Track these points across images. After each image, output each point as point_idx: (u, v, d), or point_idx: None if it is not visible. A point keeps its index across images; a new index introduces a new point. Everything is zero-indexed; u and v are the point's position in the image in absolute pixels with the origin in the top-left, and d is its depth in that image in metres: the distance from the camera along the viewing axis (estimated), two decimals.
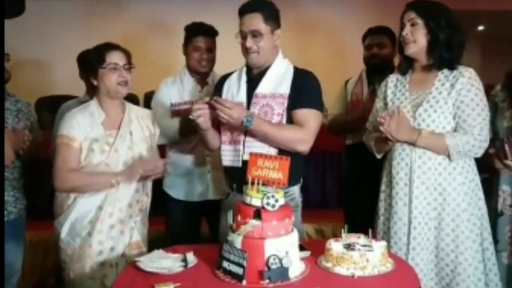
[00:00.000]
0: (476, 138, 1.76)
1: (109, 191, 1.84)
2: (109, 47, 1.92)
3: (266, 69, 1.88)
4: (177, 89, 2.43)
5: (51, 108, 3.14)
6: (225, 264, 1.39)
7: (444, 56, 1.81)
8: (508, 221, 1.99)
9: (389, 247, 1.82)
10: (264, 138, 1.81)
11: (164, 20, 4.73)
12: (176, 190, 2.43)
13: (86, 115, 1.89)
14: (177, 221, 2.45)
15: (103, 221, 1.84)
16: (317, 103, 1.86)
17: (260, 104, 1.85)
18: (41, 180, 3.50)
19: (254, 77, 1.90)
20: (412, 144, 1.80)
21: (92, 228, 1.83)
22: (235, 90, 1.92)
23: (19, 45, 4.54)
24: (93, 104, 1.93)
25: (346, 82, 2.73)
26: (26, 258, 3.09)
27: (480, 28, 6.33)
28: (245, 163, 1.79)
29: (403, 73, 1.93)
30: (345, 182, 2.82)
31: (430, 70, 1.85)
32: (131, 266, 1.53)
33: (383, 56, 2.51)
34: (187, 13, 4.63)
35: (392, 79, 1.97)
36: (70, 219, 1.85)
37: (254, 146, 1.82)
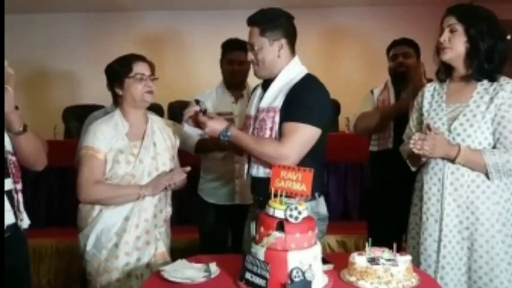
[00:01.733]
0: None
1: (134, 202, 1.86)
2: (136, 58, 1.96)
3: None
4: (212, 102, 2.53)
5: (78, 118, 3.23)
6: (248, 275, 1.39)
7: (484, 66, 1.70)
8: None
9: (418, 263, 1.78)
10: (248, 153, 1.82)
11: (179, 33, 4.81)
12: (207, 194, 2.56)
13: (111, 126, 1.91)
14: (209, 225, 2.57)
15: (130, 232, 1.85)
16: (308, 117, 1.70)
17: (259, 118, 1.80)
18: (67, 188, 3.61)
19: (266, 90, 1.86)
20: (451, 161, 1.72)
21: (118, 240, 1.84)
22: (251, 104, 1.92)
23: (48, 56, 4.71)
24: (117, 115, 1.95)
25: (372, 91, 2.72)
26: (52, 265, 3.18)
27: (508, 37, 6.21)
28: (253, 179, 1.85)
29: (441, 80, 1.84)
30: (369, 190, 2.78)
31: (468, 80, 1.75)
32: (155, 276, 1.54)
33: (408, 65, 2.52)
34: (201, 26, 4.75)
35: (429, 89, 1.88)
36: (95, 231, 1.85)
37: (255, 161, 1.80)
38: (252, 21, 1.82)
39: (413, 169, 1.91)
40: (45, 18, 4.75)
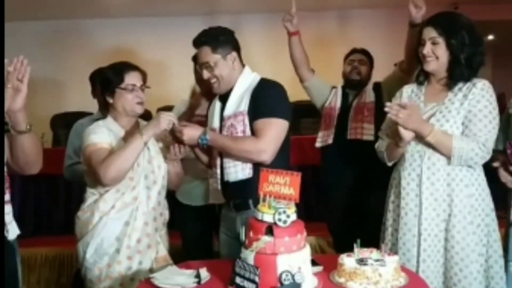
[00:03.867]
0: (481, 147, 1.75)
1: (133, 206, 1.86)
2: (128, 67, 1.94)
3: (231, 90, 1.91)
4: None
5: (67, 125, 3.21)
6: (238, 280, 1.40)
7: (464, 73, 1.81)
8: None
9: None
10: (226, 154, 1.84)
11: (166, 39, 4.82)
12: (185, 196, 2.56)
13: (109, 131, 1.90)
14: (190, 228, 2.56)
15: (131, 236, 1.85)
16: (275, 111, 1.80)
17: (226, 126, 1.85)
18: (55, 197, 3.59)
19: (225, 101, 1.92)
20: (421, 137, 1.77)
21: (119, 245, 1.84)
22: (212, 116, 1.97)
23: (34, 64, 4.67)
24: (110, 121, 1.95)
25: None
26: (42, 275, 3.15)
27: (490, 37, 6.30)
28: (226, 184, 1.88)
29: (420, 83, 1.92)
30: (324, 190, 2.85)
31: (446, 83, 1.85)
32: (145, 283, 1.54)
33: (361, 72, 2.73)
34: (184, 32, 4.74)
35: (407, 90, 1.96)
36: (96, 238, 1.84)
37: (229, 167, 1.84)
38: (201, 42, 1.87)
39: (389, 164, 1.97)
40: (29, 25, 4.72)
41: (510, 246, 1.95)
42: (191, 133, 1.83)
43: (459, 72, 1.81)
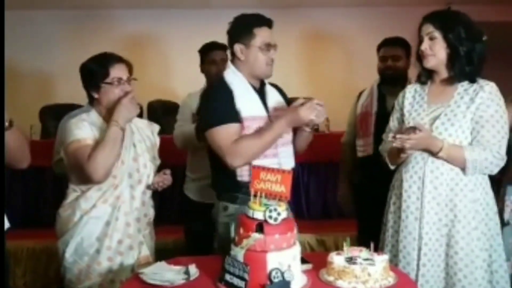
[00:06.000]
0: (495, 155, 1.71)
1: (115, 205, 1.82)
2: (113, 59, 1.86)
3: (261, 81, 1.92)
4: (197, 102, 2.51)
5: (55, 117, 3.17)
6: (227, 277, 1.40)
7: (465, 69, 1.76)
8: None
9: (397, 261, 1.81)
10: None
11: (157, 32, 4.77)
12: (195, 192, 2.57)
13: (88, 122, 1.84)
14: (196, 223, 2.54)
15: (112, 236, 1.80)
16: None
17: (273, 116, 1.86)
18: (44, 189, 3.54)
19: (258, 90, 1.90)
20: (431, 153, 1.75)
21: (100, 245, 1.80)
22: (252, 104, 1.86)
23: (23, 55, 4.60)
24: (94, 116, 1.89)
25: (360, 94, 2.73)
26: (28, 267, 3.12)
27: (483, 38, 6.36)
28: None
29: (423, 83, 1.89)
30: (358, 195, 2.77)
31: (450, 82, 1.81)
32: (133, 279, 1.53)
33: (397, 68, 2.51)
34: (181, 25, 4.71)
35: (410, 90, 1.93)
36: (76, 238, 1.79)
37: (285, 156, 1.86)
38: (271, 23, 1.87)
39: (391, 167, 1.94)
40: (18, 15, 4.62)
41: (504, 246, 1.93)
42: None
43: (460, 68, 1.76)
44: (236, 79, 1.85)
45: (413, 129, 1.73)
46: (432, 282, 1.76)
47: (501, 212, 2.00)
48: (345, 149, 2.77)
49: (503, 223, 2.01)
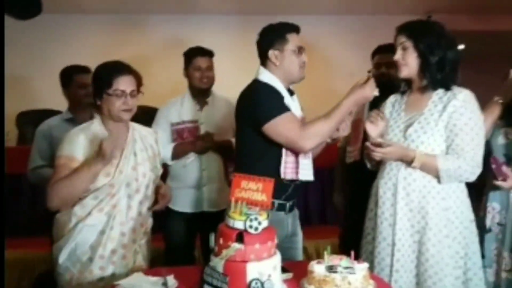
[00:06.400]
0: (469, 163, 1.73)
1: (111, 214, 1.79)
2: (118, 71, 1.83)
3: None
4: (177, 110, 2.58)
5: (33, 123, 3.10)
6: None
7: (436, 77, 1.79)
8: (496, 238, 1.99)
9: (372, 267, 1.82)
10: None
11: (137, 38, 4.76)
12: (174, 202, 2.51)
13: (89, 135, 1.81)
14: (174, 233, 2.56)
15: (105, 246, 1.77)
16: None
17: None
18: (18, 197, 3.45)
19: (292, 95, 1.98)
20: (406, 163, 1.78)
21: (93, 254, 1.77)
22: (294, 106, 1.95)
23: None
24: (97, 123, 1.86)
25: None
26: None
27: (461, 47, 6.49)
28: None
29: (402, 92, 1.94)
30: (346, 201, 2.77)
31: (425, 91, 1.84)
32: None
33: (391, 75, 2.48)
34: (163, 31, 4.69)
35: (391, 100, 1.98)
36: (70, 244, 1.77)
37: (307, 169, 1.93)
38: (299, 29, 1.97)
39: (369, 166, 1.99)
40: None
41: (486, 253, 1.97)
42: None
43: (430, 76, 1.79)
44: (275, 83, 1.90)
45: (379, 145, 1.79)
46: None
47: (483, 219, 2.03)
48: (340, 154, 2.77)
49: (485, 230, 2.03)
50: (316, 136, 1.81)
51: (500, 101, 1.98)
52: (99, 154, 1.69)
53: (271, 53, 1.91)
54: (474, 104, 1.78)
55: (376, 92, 1.83)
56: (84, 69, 2.49)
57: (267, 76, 1.92)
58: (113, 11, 4.65)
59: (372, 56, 2.63)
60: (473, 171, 1.75)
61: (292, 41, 1.92)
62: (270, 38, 1.92)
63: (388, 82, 2.46)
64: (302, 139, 1.80)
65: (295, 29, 1.95)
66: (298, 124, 1.83)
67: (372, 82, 1.82)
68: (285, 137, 1.81)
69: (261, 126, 1.82)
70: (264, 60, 1.95)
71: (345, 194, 2.74)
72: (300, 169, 1.87)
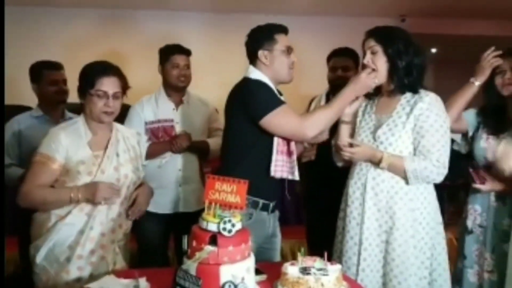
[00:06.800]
0: (435, 164, 1.77)
1: (91, 214, 1.77)
2: (102, 71, 1.81)
3: None
4: (151, 108, 2.53)
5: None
6: None
7: (404, 81, 1.83)
8: (477, 240, 2.06)
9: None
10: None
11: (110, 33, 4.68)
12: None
13: (72, 135, 1.80)
14: (147, 234, 2.51)
15: (84, 246, 1.75)
16: None
17: None
18: None
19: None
20: (374, 163, 1.82)
21: (71, 253, 1.74)
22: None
23: None
24: (81, 122, 1.84)
25: (312, 100, 2.78)
26: None
27: (433, 50, 6.62)
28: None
29: (369, 97, 1.97)
30: (305, 200, 2.83)
31: (394, 94, 1.88)
32: None
33: (346, 78, 2.48)
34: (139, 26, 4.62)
35: (364, 104, 2.01)
36: (48, 243, 1.75)
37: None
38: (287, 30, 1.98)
39: (338, 164, 2.03)
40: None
41: (467, 253, 2.04)
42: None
43: (398, 80, 1.84)
44: (266, 82, 1.91)
45: (350, 145, 1.85)
46: (370, 287, 1.81)
47: (464, 221, 2.10)
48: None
49: (467, 231, 2.09)
50: (318, 124, 1.84)
51: (476, 82, 2.05)
52: (92, 195, 1.72)
53: (261, 53, 1.92)
54: (440, 106, 1.83)
55: (377, 80, 1.86)
56: (55, 66, 2.43)
57: (257, 75, 1.93)
58: (89, 5, 4.55)
59: (327, 60, 2.69)
60: (439, 172, 1.79)
61: (281, 41, 1.93)
62: (259, 39, 1.93)
63: (344, 85, 2.53)
64: (304, 128, 1.83)
65: (283, 29, 1.97)
66: (296, 114, 1.86)
67: (369, 71, 1.85)
68: (287, 128, 1.84)
69: (258, 121, 1.83)
70: (253, 60, 1.96)
71: (302, 193, 2.79)
72: (295, 168, 1.89)
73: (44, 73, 2.40)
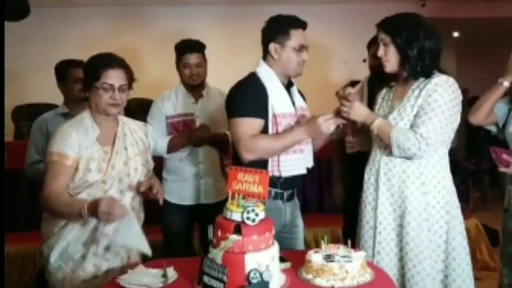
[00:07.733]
0: (417, 138, 1.74)
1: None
2: (108, 64, 1.77)
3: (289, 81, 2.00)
4: (172, 103, 2.57)
5: (29, 117, 3.10)
6: (206, 279, 1.40)
7: (416, 68, 1.82)
8: None
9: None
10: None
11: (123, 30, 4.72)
12: (171, 194, 2.55)
13: (81, 131, 1.77)
14: (172, 225, 2.57)
15: (98, 242, 1.74)
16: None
17: (298, 115, 1.97)
18: (17, 192, 3.46)
19: (286, 88, 1.98)
20: (367, 124, 1.84)
21: (86, 251, 1.74)
22: (283, 102, 1.93)
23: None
24: (87, 118, 1.82)
25: (348, 85, 2.71)
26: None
27: (455, 34, 6.48)
28: None
29: (390, 87, 1.98)
30: (347, 191, 2.76)
31: (408, 81, 1.88)
32: (110, 284, 1.51)
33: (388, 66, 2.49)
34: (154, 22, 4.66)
35: (382, 92, 2.02)
36: (62, 242, 1.74)
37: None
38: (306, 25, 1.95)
39: (362, 148, 2.09)
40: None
41: (506, 230, 2.12)
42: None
43: (410, 68, 1.82)
44: (269, 77, 1.92)
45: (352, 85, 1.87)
46: (387, 269, 1.81)
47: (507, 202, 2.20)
48: (336, 147, 2.78)
49: (505, 210, 2.19)
50: (259, 151, 1.82)
51: (505, 82, 2.05)
52: (98, 210, 1.61)
53: (272, 46, 1.91)
54: (447, 88, 1.78)
55: (332, 128, 1.82)
56: (79, 64, 2.48)
57: (264, 69, 1.93)
58: (104, 3, 4.62)
59: (368, 47, 2.61)
60: (420, 147, 1.74)
61: (295, 37, 1.90)
62: (274, 31, 1.91)
63: (386, 72, 2.48)
64: (244, 148, 1.82)
65: (301, 24, 1.93)
66: (251, 132, 1.83)
67: (328, 118, 1.81)
68: (234, 139, 1.89)
69: (228, 119, 1.91)
70: (265, 50, 1.96)
71: (344, 185, 2.75)
72: (281, 166, 1.88)
73: (69, 72, 2.45)
